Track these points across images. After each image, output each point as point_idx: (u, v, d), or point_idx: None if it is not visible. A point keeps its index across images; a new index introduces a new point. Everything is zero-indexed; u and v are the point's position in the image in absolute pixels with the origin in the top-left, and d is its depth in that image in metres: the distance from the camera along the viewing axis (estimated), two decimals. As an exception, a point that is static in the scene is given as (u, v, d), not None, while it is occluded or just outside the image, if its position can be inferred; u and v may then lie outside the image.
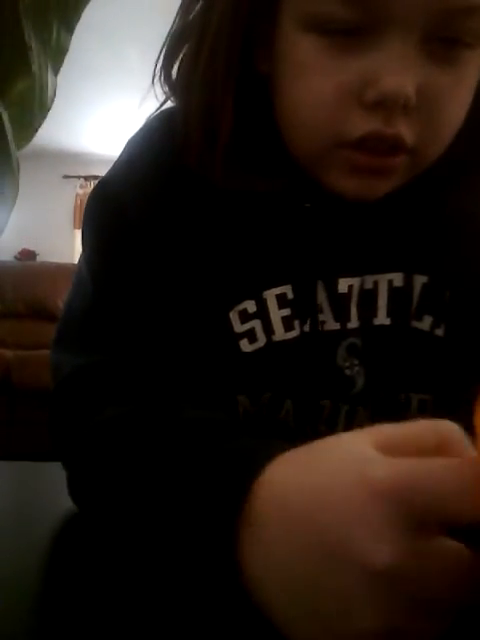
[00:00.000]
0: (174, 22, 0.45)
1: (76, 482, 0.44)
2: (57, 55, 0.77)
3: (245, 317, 0.47)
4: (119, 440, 0.39)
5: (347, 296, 0.47)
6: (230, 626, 0.30)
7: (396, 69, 0.37)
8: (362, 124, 0.39)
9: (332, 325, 0.47)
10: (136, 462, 0.37)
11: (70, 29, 0.74)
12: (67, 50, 0.79)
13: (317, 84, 0.39)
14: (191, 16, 0.44)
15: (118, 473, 0.38)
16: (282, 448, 0.29)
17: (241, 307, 0.47)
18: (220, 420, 0.37)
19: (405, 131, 0.39)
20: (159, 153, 0.48)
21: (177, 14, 0.45)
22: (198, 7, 0.43)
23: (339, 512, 0.24)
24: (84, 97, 3.94)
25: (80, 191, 5.32)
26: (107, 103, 4.08)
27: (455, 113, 0.41)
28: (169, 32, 0.46)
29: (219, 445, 0.32)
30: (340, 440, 0.27)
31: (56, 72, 0.83)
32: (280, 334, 0.47)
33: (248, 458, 0.30)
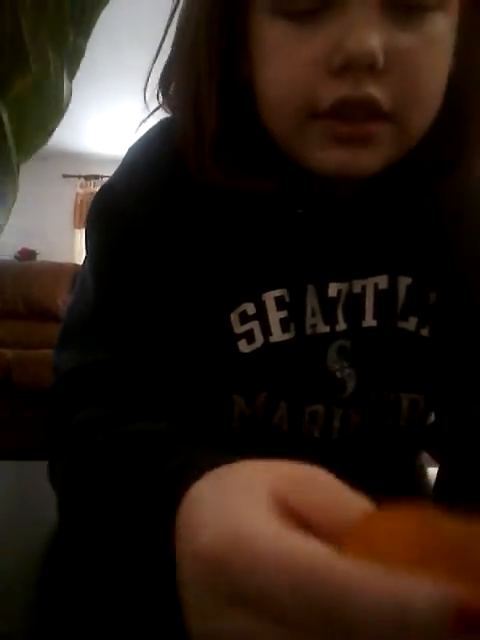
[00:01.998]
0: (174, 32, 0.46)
1: (51, 476, 0.46)
2: (73, 59, 0.77)
3: (245, 318, 0.48)
4: (77, 446, 0.41)
5: (335, 300, 0.48)
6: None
7: (359, 31, 0.37)
8: (332, 91, 0.39)
9: (322, 328, 0.48)
10: (86, 470, 0.38)
11: (86, 34, 0.75)
12: (83, 54, 0.79)
13: (285, 63, 0.40)
14: (180, 31, 0.45)
15: (73, 478, 0.40)
16: (211, 465, 0.26)
17: (241, 309, 0.48)
18: (163, 433, 0.37)
19: (377, 93, 0.39)
20: (160, 160, 0.49)
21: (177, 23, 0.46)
22: (183, 12, 0.45)
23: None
24: (84, 97, 3.94)
25: (80, 190, 5.32)
26: (107, 102, 4.08)
27: (430, 76, 0.41)
28: (164, 39, 0.47)
29: (154, 462, 0.32)
30: (241, 483, 0.24)
31: (71, 76, 0.83)
32: (277, 335, 0.48)
33: (176, 478, 0.28)
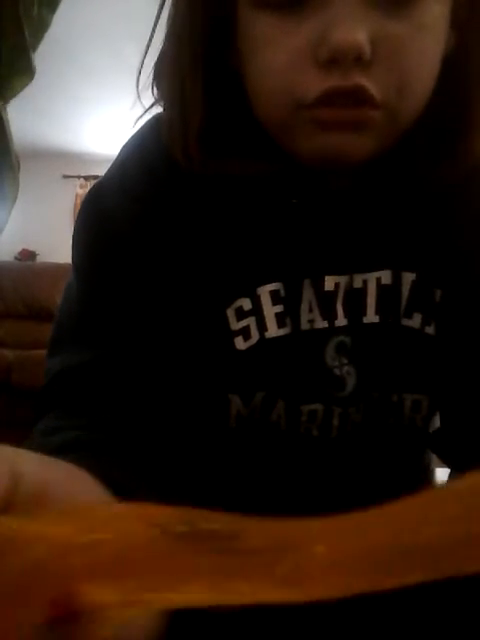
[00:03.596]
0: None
1: None
2: (37, 31, 0.76)
3: (241, 314, 0.47)
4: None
5: (333, 294, 0.47)
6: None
7: (344, 22, 0.37)
8: (320, 82, 0.38)
9: (320, 323, 0.47)
10: None
11: (53, 6, 0.74)
12: (48, 27, 0.78)
13: (272, 55, 0.40)
14: (169, 22, 0.45)
15: None
16: None
17: (237, 304, 0.47)
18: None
19: (366, 82, 0.38)
20: (151, 157, 0.48)
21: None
22: (171, 7, 0.44)
23: None
24: (84, 97, 3.94)
25: (80, 191, 5.31)
26: (107, 103, 4.08)
27: (421, 64, 0.40)
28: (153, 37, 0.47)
29: None
30: None
31: (34, 48, 0.81)
32: (273, 331, 0.47)
33: None
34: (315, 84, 0.39)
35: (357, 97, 0.38)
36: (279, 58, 0.39)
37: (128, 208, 0.47)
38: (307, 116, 0.40)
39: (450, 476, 0.53)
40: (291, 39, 0.39)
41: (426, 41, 0.40)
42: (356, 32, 0.36)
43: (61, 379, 0.45)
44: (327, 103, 0.39)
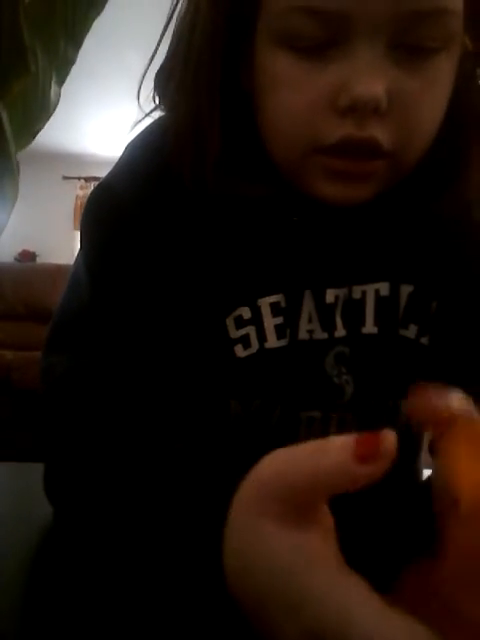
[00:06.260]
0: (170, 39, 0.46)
1: (56, 482, 0.45)
2: (62, 66, 0.79)
3: (240, 323, 0.48)
4: (86, 470, 0.41)
5: (333, 306, 0.48)
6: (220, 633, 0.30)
7: (366, 75, 0.38)
8: (336, 129, 0.40)
9: (320, 334, 0.48)
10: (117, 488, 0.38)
11: (77, 43, 0.76)
12: (74, 62, 0.80)
13: (291, 96, 0.41)
14: (179, 36, 0.45)
15: (88, 498, 0.40)
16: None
17: (237, 313, 0.48)
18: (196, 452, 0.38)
19: (379, 134, 0.40)
20: (160, 159, 0.48)
21: (173, 30, 0.46)
22: (184, 24, 0.44)
23: None
24: (84, 98, 3.94)
25: (80, 192, 5.32)
26: (107, 104, 4.08)
27: (429, 116, 0.42)
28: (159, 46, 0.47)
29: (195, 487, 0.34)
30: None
31: (61, 82, 0.84)
32: (272, 342, 0.48)
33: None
34: (332, 130, 0.40)
35: (369, 149, 0.40)
36: (299, 100, 0.40)
37: (137, 209, 0.47)
38: (320, 162, 0.42)
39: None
40: (312, 83, 0.39)
41: (437, 96, 0.41)
42: (376, 85, 0.38)
43: (69, 383, 0.45)
44: (341, 152, 0.40)
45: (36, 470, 0.57)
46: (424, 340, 0.50)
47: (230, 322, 0.48)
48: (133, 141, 0.51)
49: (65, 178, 5.32)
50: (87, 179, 5.29)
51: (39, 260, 4.96)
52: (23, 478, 0.63)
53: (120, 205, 0.48)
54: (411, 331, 0.49)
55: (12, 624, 0.33)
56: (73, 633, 0.33)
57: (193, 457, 0.37)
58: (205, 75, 0.43)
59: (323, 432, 0.49)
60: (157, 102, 0.48)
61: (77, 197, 5.34)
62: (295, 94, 0.40)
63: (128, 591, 0.34)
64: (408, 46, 0.39)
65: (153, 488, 0.36)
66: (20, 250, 4.97)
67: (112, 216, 0.48)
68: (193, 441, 0.42)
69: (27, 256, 4.99)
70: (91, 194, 0.51)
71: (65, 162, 5.15)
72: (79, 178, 5.32)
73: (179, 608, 0.32)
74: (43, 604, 0.36)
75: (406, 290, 0.49)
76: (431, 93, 0.40)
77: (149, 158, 0.49)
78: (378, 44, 0.38)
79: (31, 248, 5.03)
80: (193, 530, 0.31)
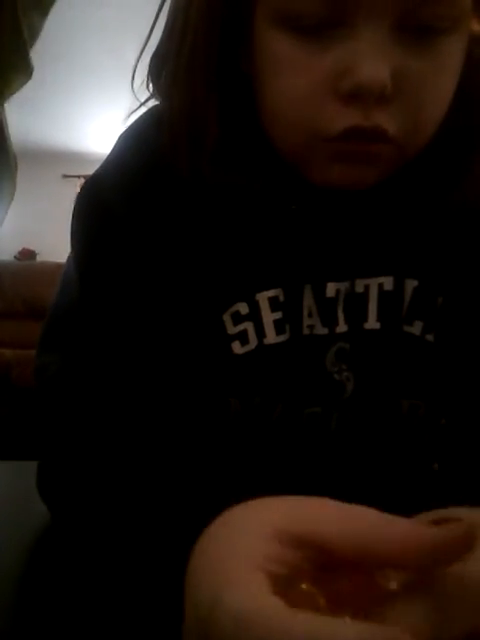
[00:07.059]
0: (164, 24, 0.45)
1: (49, 480, 0.45)
2: (30, 37, 0.76)
3: (238, 319, 0.46)
4: (82, 479, 0.41)
5: (334, 300, 0.47)
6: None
7: (370, 57, 0.36)
8: (340, 119, 0.38)
9: (320, 330, 0.47)
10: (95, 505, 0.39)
11: (44, 12, 0.73)
12: (39, 31, 0.77)
13: (292, 80, 0.39)
14: (174, 19, 0.44)
15: (80, 508, 0.40)
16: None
17: (234, 309, 0.46)
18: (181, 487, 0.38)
19: (385, 122, 0.38)
20: (150, 152, 0.47)
21: (166, 16, 0.45)
22: (179, 9, 0.43)
23: None
24: (84, 97, 3.94)
25: (80, 191, 5.31)
26: (107, 103, 4.08)
27: (437, 100, 0.40)
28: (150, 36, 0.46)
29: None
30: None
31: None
32: (271, 337, 0.47)
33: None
34: (336, 120, 0.39)
35: (375, 135, 0.39)
36: (300, 83, 0.39)
37: (127, 202, 0.46)
38: (324, 149, 0.41)
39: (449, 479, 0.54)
40: (313, 65, 0.38)
41: (444, 80, 0.40)
42: (380, 67, 0.36)
43: (62, 383, 0.45)
44: (345, 139, 0.39)
45: (35, 469, 0.57)
46: (429, 337, 0.48)
47: (227, 318, 0.47)
48: (125, 132, 0.50)
49: (65, 177, 5.31)
50: (87, 178, 5.28)
51: (39, 258, 4.95)
52: (22, 477, 0.63)
53: (107, 200, 0.47)
54: (416, 327, 0.48)
55: (11, 623, 0.33)
56: (72, 632, 0.33)
57: (186, 458, 0.37)
58: (202, 58, 0.42)
59: (324, 428, 0.49)
60: (151, 90, 0.47)
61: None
62: (296, 77, 0.39)
63: (121, 590, 0.34)
64: (415, 27, 0.37)
65: (143, 489, 0.36)
66: (20, 248, 4.97)
67: (98, 212, 0.47)
68: (189, 440, 0.42)
69: (27, 254, 4.99)
70: (80, 188, 0.50)
71: (65, 161, 5.14)
72: (79, 177, 5.30)
73: (172, 607, 0.32)
74: (43, 603, 0.36)
75: (411, 285, 0.47)
76: (439, 76, 0.39)
77: (140, 150, 0.48)
78: (383, 24, 0.36)
79: (31, 246, 5.02)
80: (182, 532, 0.31)
